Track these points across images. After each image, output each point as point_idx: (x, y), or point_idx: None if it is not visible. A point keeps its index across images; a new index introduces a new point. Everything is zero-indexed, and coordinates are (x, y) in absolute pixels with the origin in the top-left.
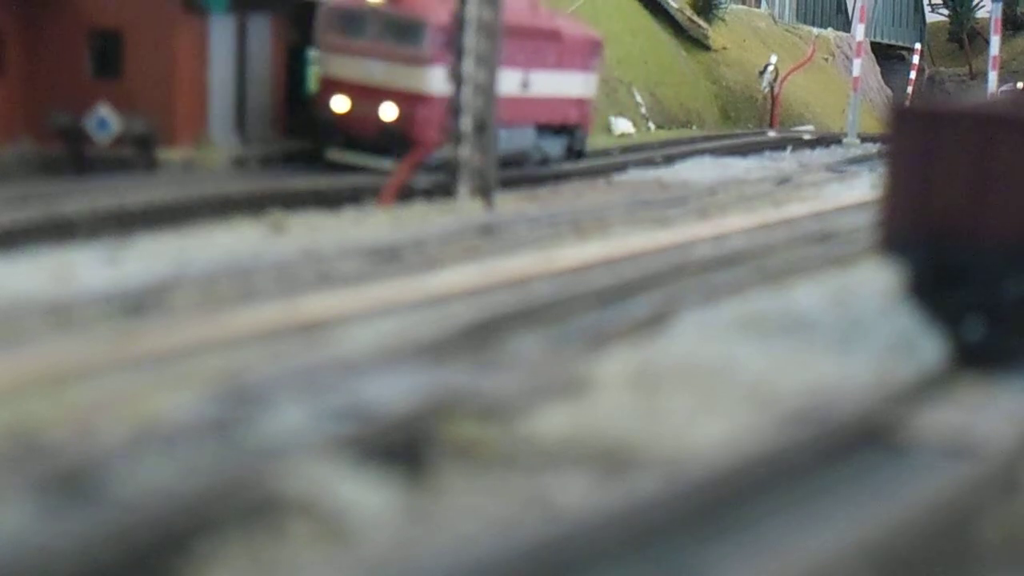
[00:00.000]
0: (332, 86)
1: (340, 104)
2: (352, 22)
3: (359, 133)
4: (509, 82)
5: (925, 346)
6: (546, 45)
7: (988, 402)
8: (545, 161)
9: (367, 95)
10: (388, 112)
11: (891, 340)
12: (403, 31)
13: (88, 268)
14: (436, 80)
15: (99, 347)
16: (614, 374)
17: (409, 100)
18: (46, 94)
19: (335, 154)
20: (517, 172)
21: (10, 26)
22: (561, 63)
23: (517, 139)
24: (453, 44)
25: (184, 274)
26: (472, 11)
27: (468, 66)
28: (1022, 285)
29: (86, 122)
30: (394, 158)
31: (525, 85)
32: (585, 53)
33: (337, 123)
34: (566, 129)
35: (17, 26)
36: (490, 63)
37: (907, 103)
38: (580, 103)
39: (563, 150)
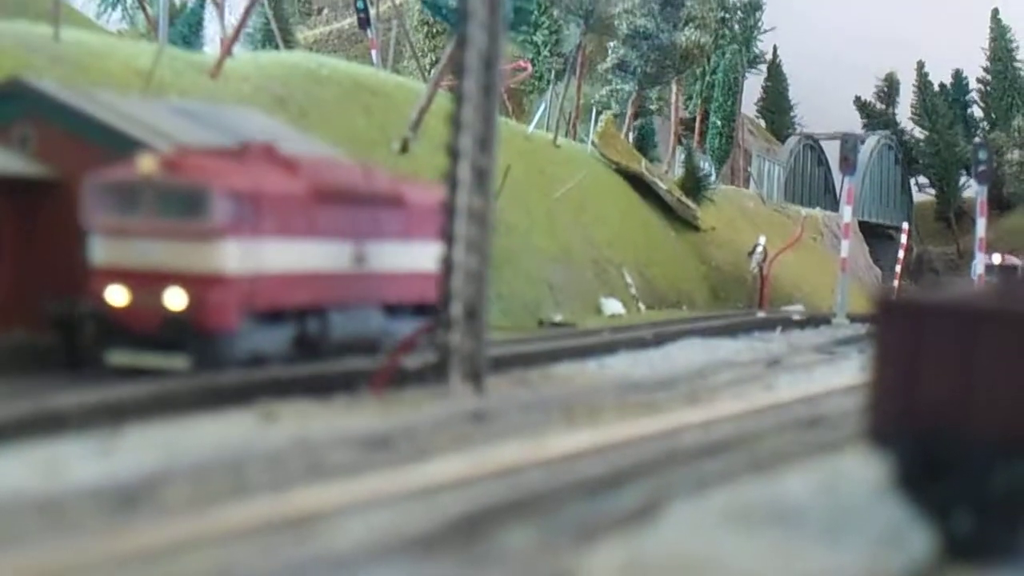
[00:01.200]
0: (105, 275)
1: (116, 296)
2: (123, 197)
3: (142, 327)
4: (333, 256)
5: (914, 538)
6: (386, 212)
7: None
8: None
9: (148, 282)
10: (174, 300)
11: (880, 531)
12: (184, 203)
13: (79, 461)
14: (230, 257)
15: (91, 545)
16: (603, 567)
17: (198, 283)
18: (40, 283)
19: (118, 356)
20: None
21: (5, 213)
22: (408, 232)
23: (355, 323)
24: (253, 213)
25: (175, 466)
26: (462, 199)
27: (458, 253)
28: (1009, 478)
29: (80, 312)
30: (189, 354)
31: (359, 259)
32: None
33: (114, 318)
34: (428, 310)
35: (12, 213)
36: (481, 250)
37: (893, 296)
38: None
39: None
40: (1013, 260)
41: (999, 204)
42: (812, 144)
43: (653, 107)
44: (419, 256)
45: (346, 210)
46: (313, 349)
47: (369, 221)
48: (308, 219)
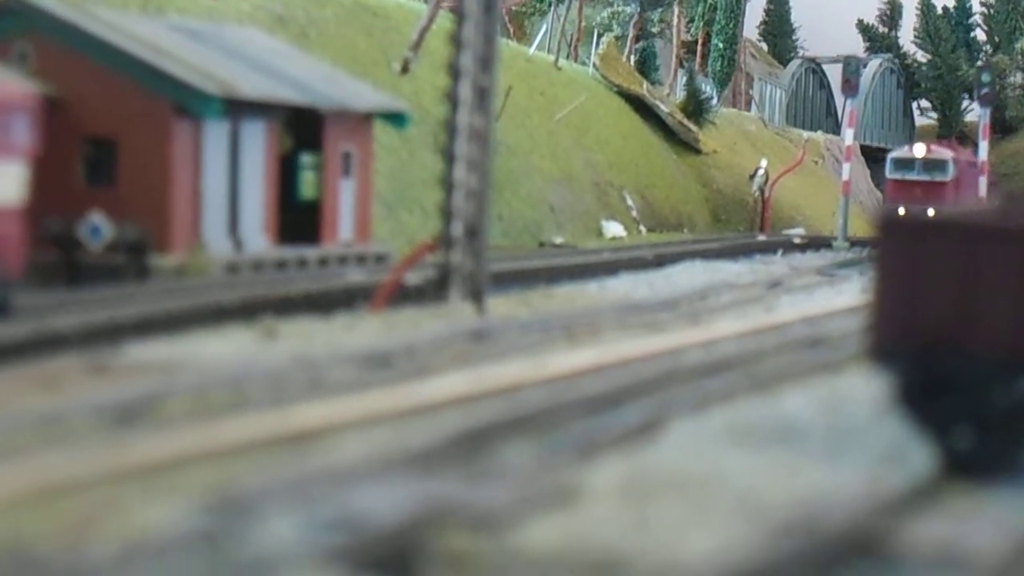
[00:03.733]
0: None
1: None
2: None
3: None
4: None
5: (915, 455)
6: None
7: (978, 512)
8: None
9: None
10: None
11: (881, 449)
12: None
13: (80, 379)
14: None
15: (89, 459)
16: (605, 484)
17: None
18: (38, 201)
19: None
20: None
21: None
22: None
23: None
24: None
25: (175, 383)
26: (463, 118)
27: (459, 172)
28: (1010, 394)
29: (79, 229)
30: None
31: None
32: None
33: None
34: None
35: None
36: (481, 169)
37: (894, 212)
38: None
39: None
40: (942, 152)
41: (1001, 128)
42: (814, 68)
43: (655, 30)
44: None
45: None
46: None
47: None
48: None
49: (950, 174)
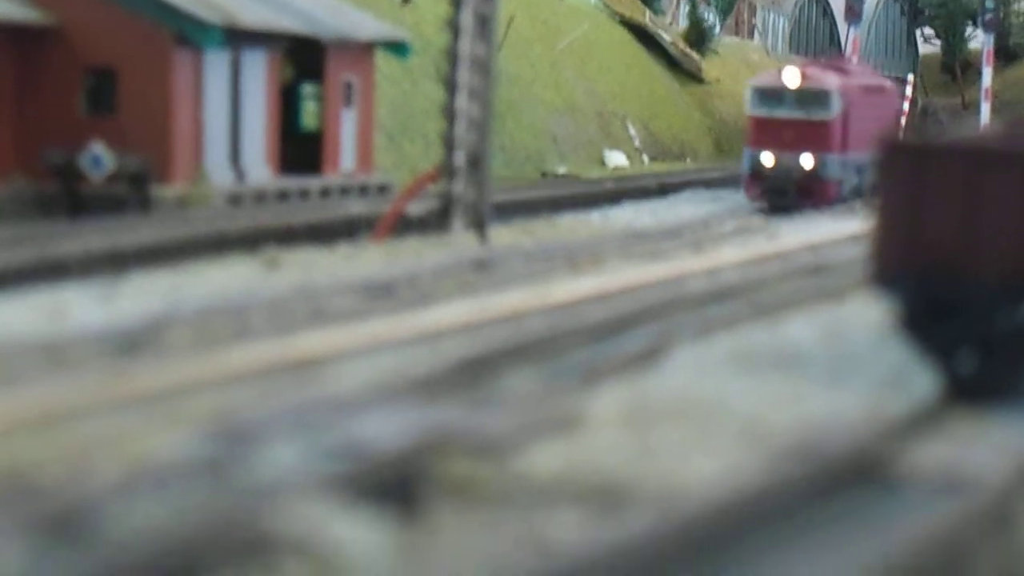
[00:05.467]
0: None
1: None
2: None
3: None
4: None
5: (917, 380)
6: None
7: (980, 436)
8: None
9: None
10: None
11: (883, 374)
12: None
13: (82, 307)
14: None
15: (92, 387)
16: (608, 411)
17: None
18: (39, 132)
19: None
20: None
21: (2, 63)
22: None
23: None
24: None
25: (178, 312)
26: (465, 47)
27: (461, 101)
28: (1013, 318)
29: (80, 160)
30: None
31: None
32: None
33: None
34: None
35: (9, 63)
36: (483, 98)
37: (897, 137)
38: None
39: None
40: (822, 79)
41: (1005, 55)
42: None
43: None
44: None
45: None
46: None
47: None
48: None
49: (834, 110)
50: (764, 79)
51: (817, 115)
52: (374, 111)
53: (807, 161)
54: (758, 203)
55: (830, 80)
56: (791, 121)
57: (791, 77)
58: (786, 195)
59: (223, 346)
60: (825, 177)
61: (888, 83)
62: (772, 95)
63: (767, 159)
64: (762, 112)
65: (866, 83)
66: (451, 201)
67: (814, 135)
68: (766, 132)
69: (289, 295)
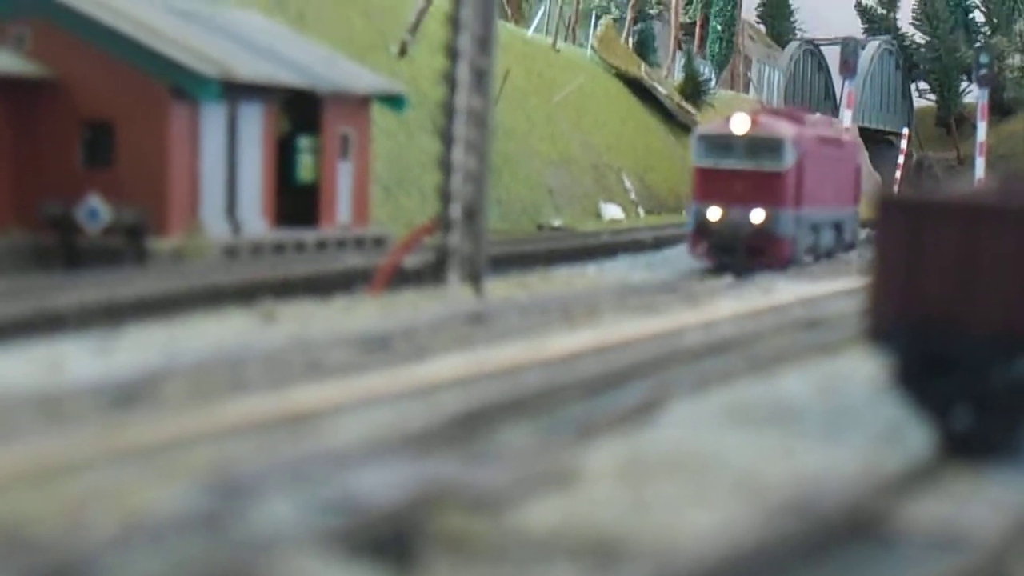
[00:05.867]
0: None
1: None
2: None
3: None
4: None
5: (913, 435)
6: None
7: (976, 492)
8: None
9: None
10: None
11: (878, 429)
12: None
13: (79, 360)
14: None
15: (89, 439)
16: (603, 465)
17: None
18: (37, 184)
19: None
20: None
21: (1, 114)
22: None
23: None
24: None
25: (174, 365)
26: (461, 99)
27: (457, 154)
28: (1009, 373)
29: (77, 212)
30: None
31: None
32: None
33: None
34: None
35: (7, 116)
36: (480, 151)
37: (893, 193)
38: None
39: None
40: (774, 127)
41: (1000, 109)
42: (812, 49)
43: (653, 11)
44: None
45: None
46: None
47: None
48: None
49: (788, 160)
50: (711, 127)
51: (769, 166)
52: (370, 164)
53: (757, 216)
54: (704, 262)
55: (783, 128)
56: (740, 172)
57: (739, 124)
58: (734, 253)
59: (219, 399)
60: (777, 234)
61: (848, 136)
62: (720, 144)
63: (713, 214)
64: (708, 163)
65: (823, 134)
66: (447, 254)
67: (765, 188)
68: (713, 184)
69: (285, 348)
